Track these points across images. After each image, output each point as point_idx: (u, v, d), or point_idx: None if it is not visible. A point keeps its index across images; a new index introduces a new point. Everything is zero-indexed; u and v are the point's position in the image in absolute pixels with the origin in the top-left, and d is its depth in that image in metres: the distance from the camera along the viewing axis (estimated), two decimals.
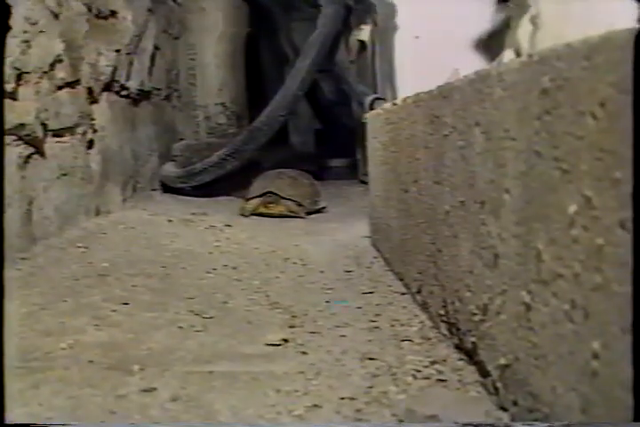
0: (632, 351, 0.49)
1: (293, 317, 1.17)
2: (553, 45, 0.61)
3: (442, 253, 1.01)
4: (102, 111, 2.19)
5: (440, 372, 0.89)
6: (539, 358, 0.64)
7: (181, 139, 3.27)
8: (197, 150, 3.04)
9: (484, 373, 0.81)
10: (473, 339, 0.86)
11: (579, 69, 0.56)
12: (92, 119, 2.08)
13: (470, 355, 0.88)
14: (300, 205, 2.56)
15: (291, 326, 1.11)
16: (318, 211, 2.66)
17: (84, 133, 2.00)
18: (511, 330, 0.71)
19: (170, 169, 2.93)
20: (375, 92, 2.82)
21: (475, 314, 0.84)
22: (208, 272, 1.53)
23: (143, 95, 2.69)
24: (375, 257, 1.69)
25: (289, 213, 2.53)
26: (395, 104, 1.45)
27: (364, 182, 2.58)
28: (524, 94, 0.67)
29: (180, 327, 1.10)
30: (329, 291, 1.37)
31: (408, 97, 1.28)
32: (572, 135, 0.57)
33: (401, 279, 1.39)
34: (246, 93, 3.63)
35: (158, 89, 2.96)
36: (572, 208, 0.57)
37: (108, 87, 2.24)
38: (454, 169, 0.93)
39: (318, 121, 4.03)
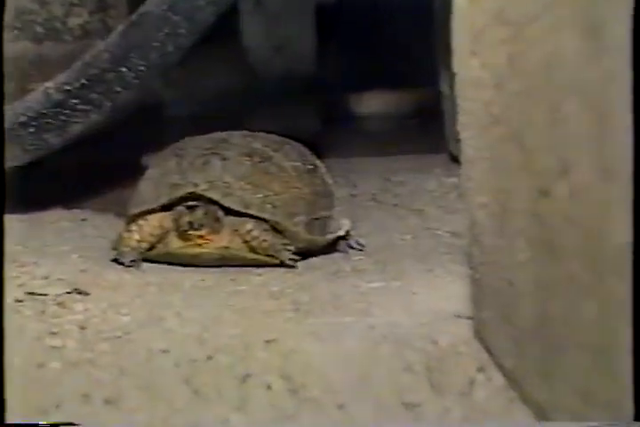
0: (632, 351, 0.57)
1: None
2: None
3: None
4: None
5: None
6: None
7: None
8: None
9: None
10: None
11: None
12: None
13: None
14: (275, 230, 1.23)
15: None
16: (331, 245, 1.31)
17: None
18: None
19: None
20: None
21: None
22: (39, 412, 1.00)
23: None
24: (481, 368, 1.09)
25: (248, 258, 1.22)
26: None
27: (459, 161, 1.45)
28: None
29: None
30: None
31: None
32: None
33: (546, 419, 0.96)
34: None
35: None
36: None
37: None
38: None
39: None
